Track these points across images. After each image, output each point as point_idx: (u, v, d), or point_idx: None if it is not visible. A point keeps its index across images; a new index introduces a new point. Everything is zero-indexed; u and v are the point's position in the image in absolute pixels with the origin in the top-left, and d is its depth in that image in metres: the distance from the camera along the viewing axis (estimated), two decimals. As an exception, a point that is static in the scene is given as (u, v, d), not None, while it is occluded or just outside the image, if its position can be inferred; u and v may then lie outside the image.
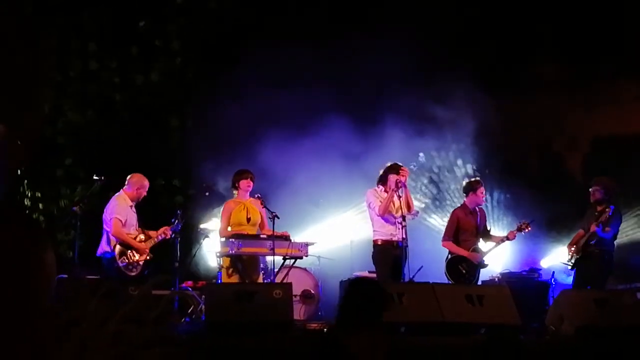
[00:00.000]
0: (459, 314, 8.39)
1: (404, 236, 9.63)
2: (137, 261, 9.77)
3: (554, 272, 11.73)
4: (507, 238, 10.64)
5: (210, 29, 13.42)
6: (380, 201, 9.80)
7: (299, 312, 11.06)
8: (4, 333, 1.71)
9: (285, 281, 9.88)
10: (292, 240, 10.04)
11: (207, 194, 11.69)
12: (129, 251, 9.73)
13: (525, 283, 11.86)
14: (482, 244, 10.62)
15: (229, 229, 9.95)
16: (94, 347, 2.35)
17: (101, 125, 13.05)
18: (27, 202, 12.49)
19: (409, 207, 9.88)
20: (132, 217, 9.91)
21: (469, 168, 13.92)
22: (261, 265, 10.14)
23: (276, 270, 10.04)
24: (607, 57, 13.62)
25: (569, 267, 10.69)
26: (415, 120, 13.20)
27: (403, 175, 9.79)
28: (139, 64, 13.26)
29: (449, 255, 10.52)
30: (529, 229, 10.75)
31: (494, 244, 10.63)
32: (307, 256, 10.28)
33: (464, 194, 10.86)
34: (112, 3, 13.00)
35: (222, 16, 13.40)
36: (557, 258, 11.94)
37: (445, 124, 13.62)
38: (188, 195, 13.10)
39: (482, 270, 10.56)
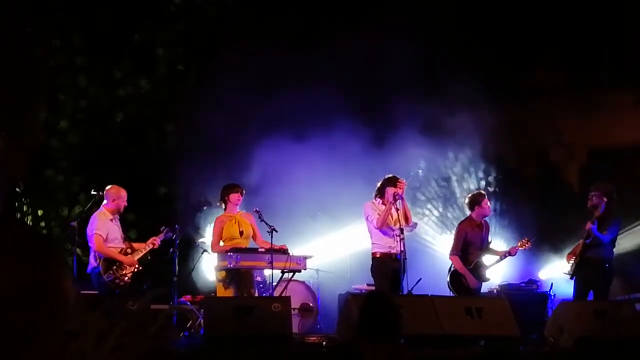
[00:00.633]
0: (458, 326, 8.39)
1: (402, 249, 9.61)
2: (123, 274, 9.75)
3: (552, 284, 11.72)
4: (509, 253, 10.62)
5: (205, 34, 13.45)
6: (378, 214, 9.80)
7: (297, 325, 11.05)
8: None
9: (283, 294, 9.87)
10: (291, 254, 10.05)
11: (204, 208, 11.65)
12: (114, 265, 9.71)
13: (524, 295, 11.86)
14: (486, 258, 10.59)
15: (222, 243, 9.98)
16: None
17: (97, 136, 13.06)
18: (28, 220, 12.49)
19: (406, 219, 9.89)
20: (115, 230, 9.90)
21: (468, 179, 13.96)
22: (258, 279, 10.14)
23: (274, 283, 10.05)
24: (606, 65, 13.65)
25: (569, 277, 10.70)
26: (414, 129, 13.23)
27: (400, 188, 9.80)
28: (133, 73, 13.29)
29: (452, 268, 10.52)
30: (529, 244, 10.76)
31: (497, 258, 10.59)
32: (305, 269, 10.29)
33: (469, 209, 10.80)
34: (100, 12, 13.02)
35: (221, 16, 13.43)
36: (555, 269, 11.93)
37: (442, 132, 13.65)
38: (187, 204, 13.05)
39: (481, 282, 10.57)
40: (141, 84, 13.31)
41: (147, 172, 12.81)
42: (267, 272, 10.07)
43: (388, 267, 9.74)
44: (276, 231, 9.92)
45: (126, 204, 10.08)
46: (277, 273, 10.00)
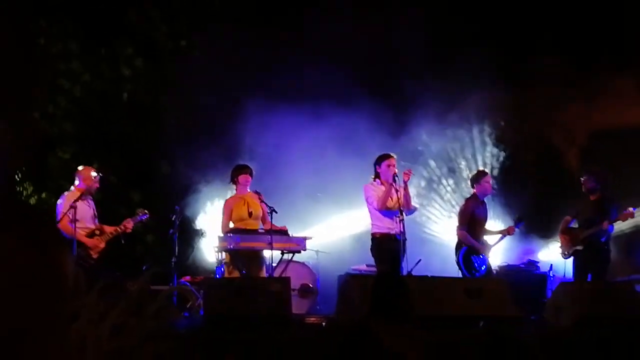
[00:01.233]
0: (457, 307, 8.39)
1: (402, 230, 9.61)
2: (88, 255, 9.73)
3: (551, 265, 11.74)
4: (508, 233, 10.68)
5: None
6: (379, 195, 9.79)
7: (297, 306, 11.06)
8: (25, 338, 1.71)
9: (283, 275, 9.88)
10: (290, 235, 10.06)
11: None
12: (78, 247, 9.68)
13: (524, 276, 11.89)
14: (487, 238, 10.69)
15: (231, 224, 9.99)
16: (94, 340, 2.35)
17: (97, 118, 13.04)
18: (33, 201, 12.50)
19: (407, 203, 9.87)
20: (84, 210, 9.90)
21: (472, 162, 13.97)
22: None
23: (274, 264, 10.06)
24: (606, 50, 13.60)
25: (563, 257, 10.78)
26: (413, 112, 13.23)
27: (406, 175, 9.76)
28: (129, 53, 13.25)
29: (463, 245, 10.56)
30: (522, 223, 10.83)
31: (499, 236, 10.68)
32: (305, 250, 10.30)
33: (472, 186, 10.90)
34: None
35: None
36: (554, 251, 11.95)
37: (442, 116, 13.65)
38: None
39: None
40: (136, 63, 13.23)
41: (148, 151, 12.80)
42: (267, 253, 10.06)
43: (387, 248, 9.73)
44: (275, 212, 9.93)
45: (97, 186, 10.09)
46: (277, 254, 10.03)
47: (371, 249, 9.96)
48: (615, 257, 10.79)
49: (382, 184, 9.88)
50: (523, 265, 12.42)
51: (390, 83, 13.31)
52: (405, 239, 9.62)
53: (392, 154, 9.97)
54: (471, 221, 10.61)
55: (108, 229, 10.10)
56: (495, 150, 14.03)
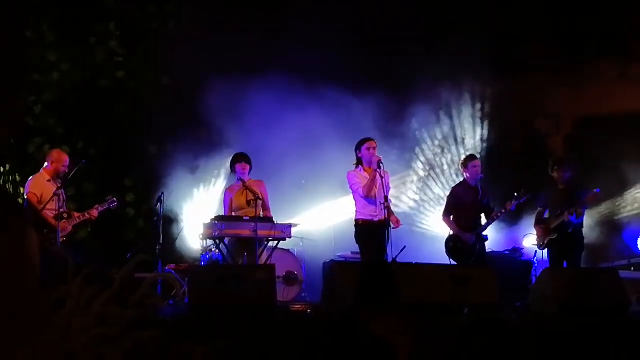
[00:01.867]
0: (442, 294, 8.38)
1: (386, 216, 9.61)
2: (53, 238, 9.69)
3: (536, 251, 11.78)
4: (505, 209, 10.63)
5: None
6: (363, 182, 9.77)
7: (282, 293, 11.07)
8: None
9: (268, 263, 9.87)
10: (276, 222, 10.05)
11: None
12: (45, 229, 9.64)
13: (508, 262, 11.94)
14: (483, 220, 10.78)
15: (233, 214, 10.05)
16: (79, 328, 2.33)
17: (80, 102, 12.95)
18: (9, 187, 12.42)
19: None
20: (51, 193, 9.84)
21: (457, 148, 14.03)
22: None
23: (259, 252, 10.06)
24: (591, 37, 13.64)
25: (539, 247, 10.83)
26: (401, 97, 13.24)
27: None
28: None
29: (449, 233, 10.67)
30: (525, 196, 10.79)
31: (491, 217, 10.67)
32: (290, 237, 10.30)
33: (462, 171, 11.06)
34: None
35: None
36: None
37: (430, 102, 13.67)
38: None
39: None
40: (111, 46, 13.10)
41: (136, 133, 12.74)
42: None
43: (371, 234, 9.73)
44: (260, 199, 9.94)
45: (66, 170, 10.07)
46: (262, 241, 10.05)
47: (355, 236, 9.96)
48: (599, 242, 10.84)
49: (364, 170, 9.86)
50: (508, 252, 12.47)
51: (373, 70, 13.29)
52: (390, 226, 9.60)
53: (371, 138, 9.98)
54: (457, 207, 10.71)
55: (76, 214, 10.13)
56: (484, 135, 14.09)
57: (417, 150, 14.06)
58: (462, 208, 10.73)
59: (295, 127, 12.49)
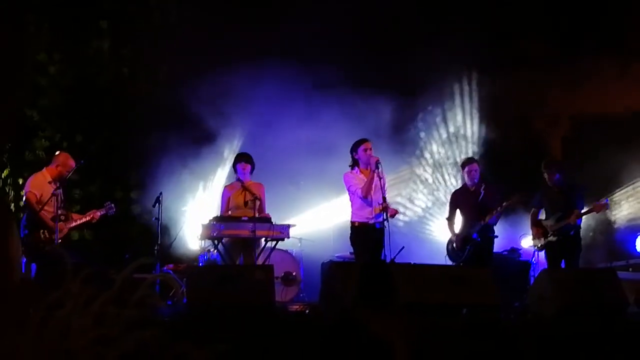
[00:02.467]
0: (440, 295, 8.38)
1: (385, 217, 9.58)
2: (49, 239, 9.68)
3: (534, 252, 11.77)
4: (506, 206, 10.60)
5: None
6: (360, 183, 9.72)
7: (280, 294, 11.07)
8: None
9: (266, 263, 9.86)
10: (274, 222, 10.04)
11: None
12: (42, 229, 9.66)
13: (507, 263, 11.94)
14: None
15: (230, 213, 10.03)
16: (77, 328, 2.33)
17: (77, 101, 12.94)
18: (9, 190, 12.42)
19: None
20: (51, 194, 9.80)
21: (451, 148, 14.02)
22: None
23: (257, 252, 10.05)
24: (590, 35, 13.65)
25: (538, 249, 10.83)
26: (398, 95, 13.24)
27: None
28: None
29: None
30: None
31: (494, 213, 10.61)
32: (288, 238, 10.28)
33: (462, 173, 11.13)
34: None
35: None
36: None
37: (427, 97, 13.68)
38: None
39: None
40: (103, 45, 13.09)
41: (130, 131, 12.73)
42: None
43: (366, 236, 9.66)
44: (259, 200, 9.93)
45: (68, 175, 10.02)
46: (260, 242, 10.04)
47: (350, 238, 9.92)
48: (597, 244, 10.83)
49: (361, 172, 9.83)
50: (506, 253, 12.46)
51: (367, 70, 13.30)
52: (385, 227, 9.53)
53: (367, 139, 9.95)
54: (456, 210, 10.83)
55: (75, 216, 10.13)
56: (482, 134, 14.10)
57: (417, 150, 14.05)
58: (460, 211, 10.82)
59: (294, 127, 12.48)
